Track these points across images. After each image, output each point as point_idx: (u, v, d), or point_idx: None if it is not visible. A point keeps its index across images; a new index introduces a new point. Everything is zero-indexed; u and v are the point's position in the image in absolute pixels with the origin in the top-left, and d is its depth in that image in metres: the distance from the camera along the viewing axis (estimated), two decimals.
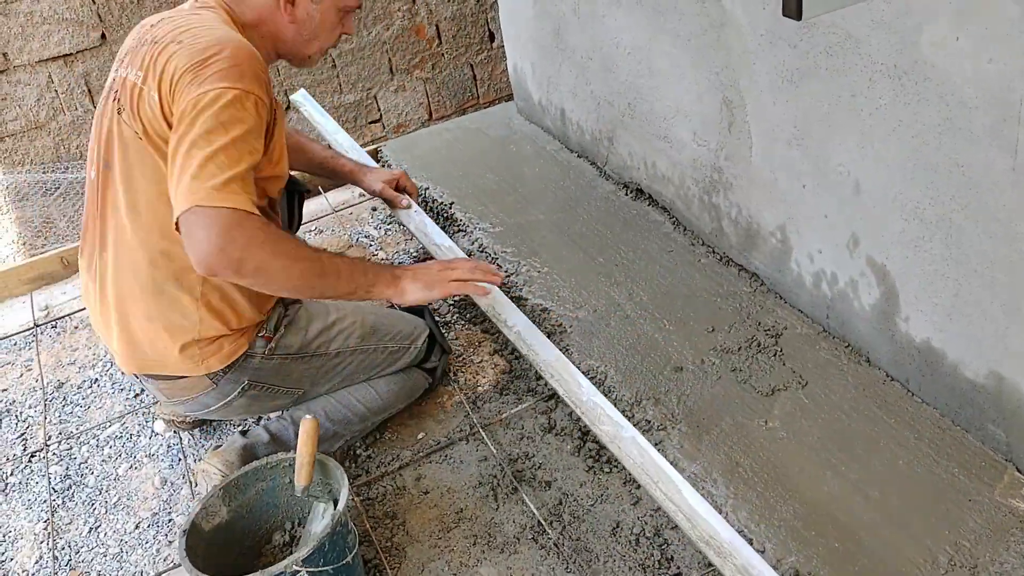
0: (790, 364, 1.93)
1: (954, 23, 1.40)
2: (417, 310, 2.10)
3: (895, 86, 1.56)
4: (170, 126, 1.54)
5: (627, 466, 1.58)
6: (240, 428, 2.14)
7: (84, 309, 2.72)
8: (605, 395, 1.94)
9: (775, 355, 1.96)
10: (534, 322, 2.20)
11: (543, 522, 1.80)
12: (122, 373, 2.44)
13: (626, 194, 2.63)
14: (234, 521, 1.72)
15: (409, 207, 2.34)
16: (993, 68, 1.36)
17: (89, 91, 3.40)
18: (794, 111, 1.83)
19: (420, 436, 2.08)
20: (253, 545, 1.77)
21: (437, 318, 2.34)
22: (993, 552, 1.48)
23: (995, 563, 1.46)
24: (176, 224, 1.47)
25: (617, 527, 1.76)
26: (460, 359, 2.27)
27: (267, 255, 1.50)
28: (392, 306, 2.07)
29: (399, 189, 2.37)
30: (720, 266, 2.27)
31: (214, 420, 2.16)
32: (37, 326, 2.69)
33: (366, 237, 2.86)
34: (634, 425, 1.86)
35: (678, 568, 1.67)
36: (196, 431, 2.19)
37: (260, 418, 2.11)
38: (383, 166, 2.89)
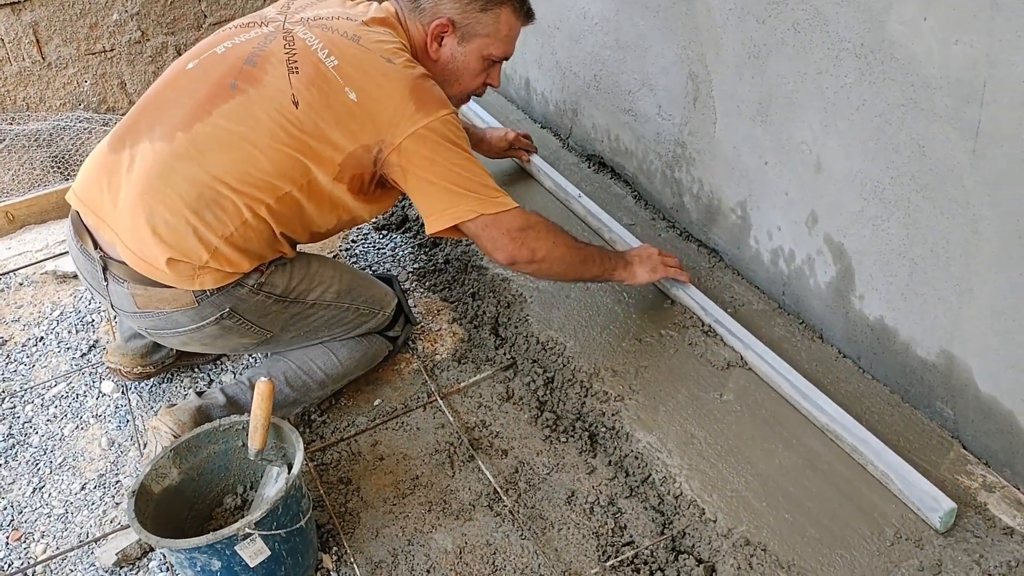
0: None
1: (923, 4, 1.41)
2: (387, 279, 2.09)
3: (861, 65, 1.57)
4: (347, 139, 1.69)
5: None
6: (195, 389, 2.11)
7: (29, 266, 2.64)
8: (564, 365, 1.95)
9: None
10: (494, 290, 2.21)
11: (499, 490, 1.80)
12: (68, 332, 2.38)
13: (589, 166, 2.62)
14: (185, 483, 1.70)
15: (529, 161, 2.60)
16: (959, 50, 1.37)
17: (37, 41, 3.27)
18: (759, 87, 1.84)
19: (376, 403, 2.06)
20: (204, 508, 1.75)
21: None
22: None
23: (939, 536, 1.50)
24: (449, 228, 1.74)
25: (572, 496, 1.77)
26: (419, 327, 2.26)
27: (552, 244, 1.79)
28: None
29: (516, 146, 2.57)
30: (680, 241, 2.28)
31: (166, 362, 2.11)
32: None
33: None
34: (592, 396, 1.88)
35: (630, 537, 1.69)
36: (145, 391, 2.14)
37: (212, 380, 2.07)
38: None
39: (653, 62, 2.17)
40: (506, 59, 1.94)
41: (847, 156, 1.68)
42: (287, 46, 1.73)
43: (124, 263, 1.70)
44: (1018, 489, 1.55)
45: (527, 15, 1.93)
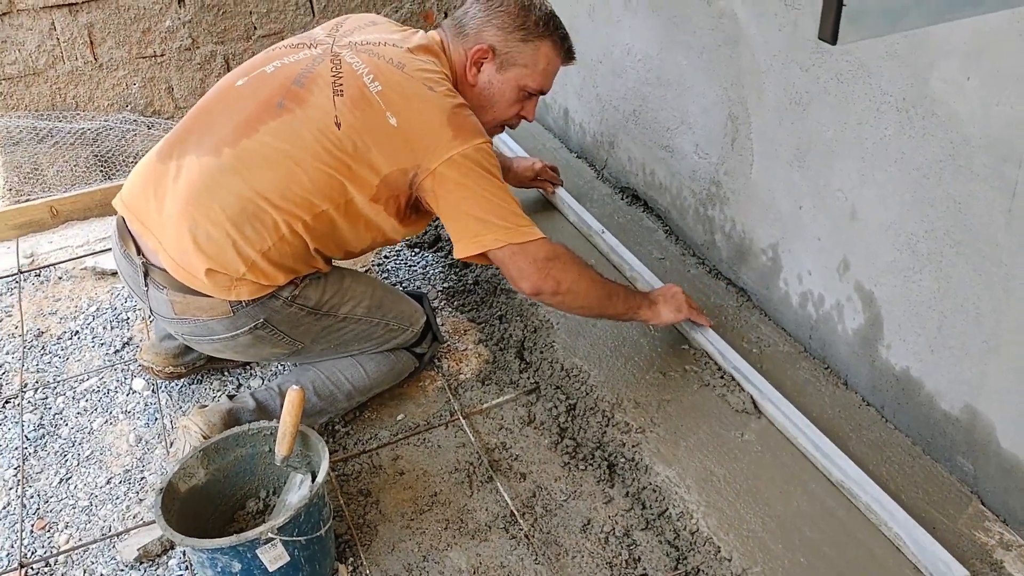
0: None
1: (966, 63, 1.43)
2: (417, 296, 2.13)
3: (901, 118, 1.59)
4: (385, 161, 1.74)
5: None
6: (225, 392, 2.15)
7: (69, 261, 2.70)
8: (587, 393, 1.97)
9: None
10: (521, 314, 2.23)
11: (516, 512, 1.82)
12: (103, 328, 2.43)
13: (622, 198, 2.65)
14: (210, 484, 1.73)
15: (554, 193, 2.64)
16: (1000, 111, 1.39)
17: (91, 42, 3.36)
18: (799, 132, 1.86)
19: (400, 417, 2.09)
20: (227, 510, 1.78)
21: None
22: None
23: None
24: (478, 255, 1.78)
25: (588, 524, 1.79)
26: (445, 346, 2.28)
27: (577, 276, 1.81)
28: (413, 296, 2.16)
29: (542, 177, 2.61)
30: (709, 278, 2.30)
31: (197, 364, 2.15)
32: (21, 272, 2.66)
33: None
34: (613, 426, 1.89)
35: (644, 569, 1.70)
36: (175, 390, 2.18)
37: (240, 383, 2.11)
38: None
39: (694, 101, 2.21)
40: (542, 93, 1.99)
41: (883, 206, 1.70)
42: (334, 69, 1.79)
43: (165, 270, 1.75)
44: None
45: (568, 54, 1.99)
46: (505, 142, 2.88)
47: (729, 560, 1.60)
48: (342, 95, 1.75)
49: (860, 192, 1.75)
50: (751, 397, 1.88)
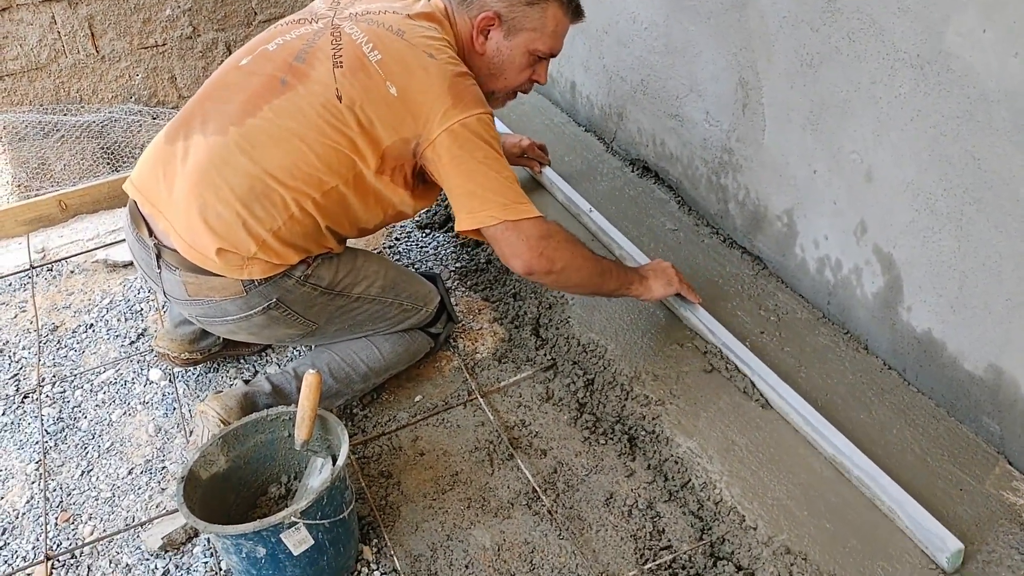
0: (788, 348, 1.94)
1: (982, 15, 1.40)
2: (431, 276, 2.12)
3: (916, 75, 1.56)
4: (385, 131, 1.72)
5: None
6: (241, 378, 2.15)
7: (81, 254, 2.70)
8: (605, 368, 1.96)
9: (774, 338, 1.97)
10: (535, 291, 2.22)
11: (537, 489, 1.81)
12: (117, 320, 2.43)
13: (633, 171, 2.63)
14: (231, 471, 1.73)
15: (541, 172, 2.60)
16: (1018, 63, 1.36)
17: (92, 35, 3.35)
18: (811, 95, 1.83)
19: (417, 399, 2.09)
20: (249, 496, 1.78)
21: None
22: (981, 542, 1.51)
23: (983, 552, 1.49)
24: (474, 231, 1.74)
25: (611, 498, 1.78)
26: (460, 326, 2.27)
27: (570, 255, 1.77)
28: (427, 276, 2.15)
29: (529, 155, 2.57)
30: (724, 247, 2.28)
31: (213, 350, 2.15)
32: (33, 267, 2.66)
33: None
34: (632, 399, 1.88)
35: (668, 541, 1.69)
36: (192, 379, 2.18)
37: (257, 370, 2.11)
38: None
39: (703, 68, 2.17)
40: (553, 55, 1.94)
41: (899, 167, 1.67)
42: (334, 41, 1.77)
43: (177, 251, 1.75)
44: None
45: (576, 12, 1.93)
46: None
47: (755, 529, 1.59)
48: (342, 67, 1.73)
49: (875, 153, 1.72)
50: (748, 378, 1.85)
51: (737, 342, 1.90)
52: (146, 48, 3.46)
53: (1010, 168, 1.43)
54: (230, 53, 3.52)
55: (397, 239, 2.64)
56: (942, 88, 1.52)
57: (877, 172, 1.73)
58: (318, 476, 1.74)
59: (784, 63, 1.88)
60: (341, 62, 1.73)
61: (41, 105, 3.37)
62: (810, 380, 1.86)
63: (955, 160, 1.54)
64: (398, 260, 2.55)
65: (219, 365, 2.22)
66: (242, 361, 2.24)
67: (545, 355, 2.13)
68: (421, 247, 2.61)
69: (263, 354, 2.26)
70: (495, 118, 2.76)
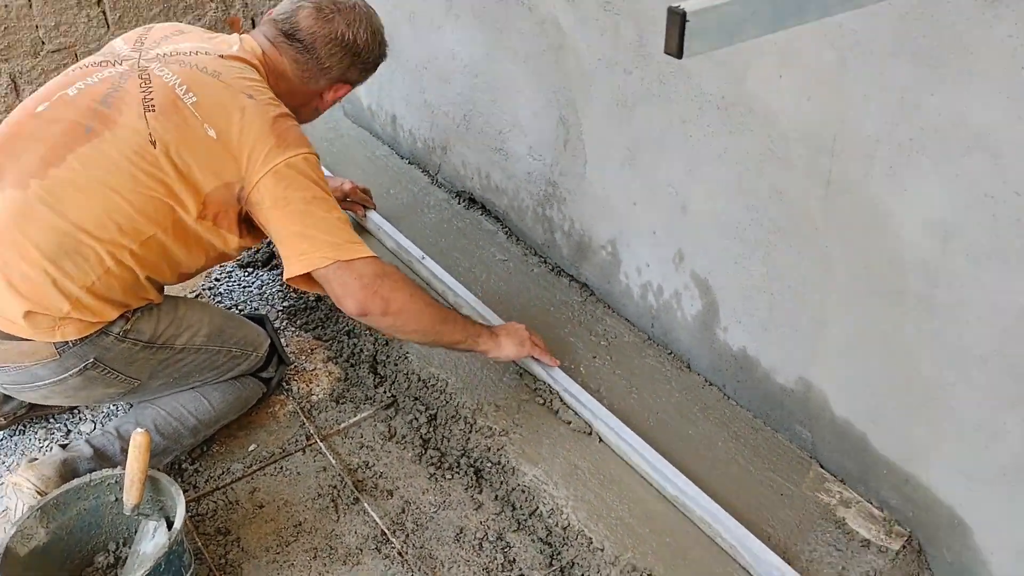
0: (619, 371, 2.04)
1: (779, 63, 1.54)
2: (258, 319, 2.05)
3: (722, 116, 1.69)
4: (206, 175, 1.66)
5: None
6: (60, 442, 1.98)
7: None
8: (447, 402, 1.98)
9: (606, 362, 2.06)
10: (370, 328, 2.20)
11: (386, 531, 1.80)
12: None
13: (459, 203, 2.66)
14: (52, 543, 1.61)
15: (366, 217, 2.56)
16: (811, 106, 1.51)
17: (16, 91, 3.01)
18: (628, 133, 1.94)
19: (252, 448, 2.01)
20: (74, 567, 1.66)
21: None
22: (804, 541, 1.65)
23: (806, 552, 1.63)
24: (300, 275, 1.68)
25: (461, 532, 1.79)
26: (293, 367, 2.22)
27: (407, 297, 1.72)
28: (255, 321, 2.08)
29: (351, 199, 2.53)
30: (552, 276, 2.36)
31: (18, 413, 1.98)
32: None
33: None
34: (476, 431, 1.91)
35: (520, 570, 1.72)
36: (2, 437, 2.00)
37: (70, 431, 1.95)
38: None
39: (524, 105, 2.25)
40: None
41: (711, 199, 1.80)
42: (143, 84, 1.68)
43: None
44: (871, 504, 1.70)
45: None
46: None
47: (602, 550, 1.66)
48: (154, 110, 1.64)
49: (689, 187, 1.84)
50: (589, 425, 1.90)
51: (595, 402, 1.89)
52: None
53: (807, 200, 1.59)
54: (16, 85, 3.27)
55: (217, 279, 2.54)
56: (746, 127, 1.66)
57: (691, 204, 1.86)
58: (151, 540, 1.64)
59: (601, 102, 1.98)
60: (153, 106, 1.64)
61: None
62: (641, 400, 1.96)
63: (760, 193, 1.68)
64: (220, 303, 2.45)
65: (25, 427, 2.04)
66: (52, 420, 2.07)
67: (385, 392, 2.12)
68: (244, 287, 2.52)
69: (75, 411, 2.10)
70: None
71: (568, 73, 2.05)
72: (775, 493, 1.74)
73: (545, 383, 1.96)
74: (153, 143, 1.62)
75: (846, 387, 1.68)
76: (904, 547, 1.61)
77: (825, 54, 1.45)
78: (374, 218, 2.54)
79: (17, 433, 2.03)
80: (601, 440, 1.86)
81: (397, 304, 1.71)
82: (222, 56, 1.77)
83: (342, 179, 2.56)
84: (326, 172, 2.66)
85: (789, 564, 1.60)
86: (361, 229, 2.58)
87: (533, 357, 1.94)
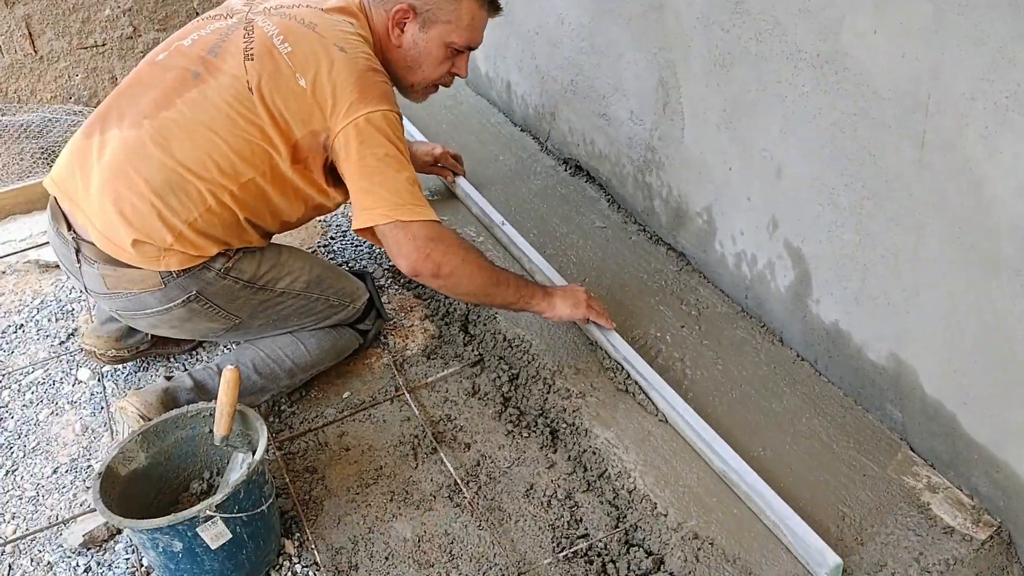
0: (707, 341, 1.99)
1: (873, 16, 1.45)
2: (361, 274, 2.13)
3: (817, 75, 1.61)
4: (295, 122, 1.73)
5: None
6: (165, 374, 2.15)
7: (13, 255, 2.68)
8: (529, 362, 1.99)
9: (694, 331, 2.02)
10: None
11: (459, 481, 1.84)
12: (48, 320, 2.42)
13: (565, 170, 2.67)
14: (152, 467, 1.73)
15: (454, 182, 2.59)
16: (906, 63, 1.42)
17: (30, 34, 3.32)
18: (724, 94, 1.88)
19: (345, 395, 2.10)
20: (170, 493, 1.78)
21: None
22: (880, 524, 1.57)
23: (881, 534, 1.55)
24: (368, 229, 1.73)
25: (531, 489, 1.81)
26: (392, 322, 2.29)
27: (459, 261, 1.74)
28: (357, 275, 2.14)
29: (442, 164, 2.57)
30: (650, 244, 2.33)
31: (141, 347, 2.15)
32: None
33: None
34: (554, 393, 1.92)
35: (585, 529, 1.73)
36: (120, 378, 2.18)
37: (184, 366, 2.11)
38: None
39: (626, 68, 2.22)
40: (471, 48, 1.95)
41: (805, 162, 1.72)
42: (246, 35, 1.79)
43: (94, 244, 1.75)
44: (960, 491, 1.59)
45: (492, 5, 1.93)
46: (407, 127, 2.84)
47: (665, 515, 1.63)
48: (252, 59, 1.75)
49: (783, 150, 1.77)
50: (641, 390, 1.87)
51: (648, 367, 1.86)
52: (85, 48, 3.44)
53: (900, 163, 1.49)
54: None
55: (332, 238, 2.66)
56: (840, 87, 1.57)
57: (785, 168, 1.78)
58: (239, 471, 1.74)
59: (699, 63, 1.93)
60: (252, 54, 1.75)
61: None
62: (726, 371, 1.91)
63: (853, 156, 1.59)
64: (333, 259, 2.57)
65: (148, 364, 2.22)
66: (171, 360, 2.24)
67: (473, 351, 2.16)
68: (356, 245, 2.62)
69: (193, 353, 2.26)
70: (408, 122, 2.77)
71: (668, 33, 2.00)
72: (857, 473, 1.66)
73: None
74: (250, 89, 1.73)
75: (938, 365, 1.57)
76: (991, 538, 1.50)
77: (922, 6, 1.36)
78: (462, 184, 2.57)
79: (140, 369, 2.22)
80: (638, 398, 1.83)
81: (448, 268, 1.74)
82: (323, 9, 1.85)
83: (433, 144, 2.60)
84: (419, 136, 2.73)
85: (861, 546, 1.52)
86: (450, 194, 2.63)
87: (591, 320, 1.94)
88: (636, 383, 1.88)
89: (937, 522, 1.55)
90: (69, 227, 1.80)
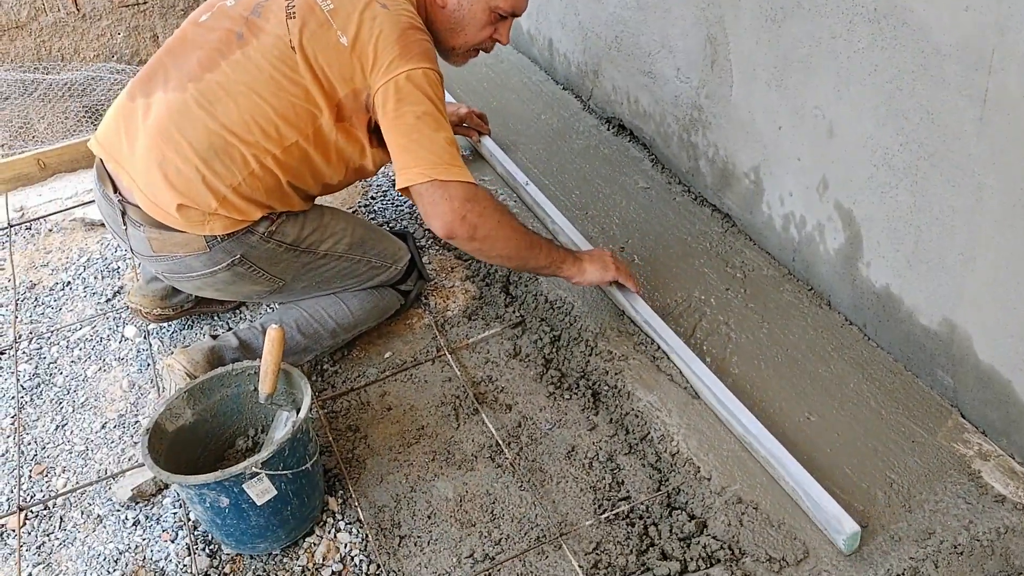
0: (753, 304, 1.96)
1: None
2: (402, 234, 2.13)
3: (874, 29, 1.56)
4: (338, 80, 1.72)
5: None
6: (211, 333, 2.17)
7: (59, 213, 2.71)
8: (571, 324, 1.98)
9: (739, 294, 1.99)
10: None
11: (501, 442, 1.84)
12: (94, 278, 2.45)
13: (608, 129, 2.62)
14: (198, 424, 1.76)
15: (480, 142, 2.57)
16: (968, 17, 1.36)
17: None
18: (775, 51, 1.83)
19: (387, 355, 2.11)
20: (216, 449, 1.81)
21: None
22: (929, 491, 1.54)
23: (930, 502, 1.52)
24: (405, 188, 1.70)
25: (572, 450, 1.81)
26: (433, 283, 2.29)
27: (495, 224, 1.72)
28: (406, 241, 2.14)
29: (467, 124, 2.55)
30: (694, 205, 2.29)
31: (185, 306, 2.17)
32: (11, 226, 2.68)
33: None
34: (596, 355, 1.90)
35: (627, 492, 1.72)
36: (166, 336, 2.21)
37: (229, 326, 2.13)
38: None
39: (673, 24, 2.16)
40: (515, 15, 1.93)
41: (858, 122, 1.67)
42: (290, 4, 1.76)
43: (140, 207, 1.76)
44: (1013, 458, 1.56)
45: None
46: None
47: (709, 479, 1.62)
48: (294, 17, 1.73)
49: (836, 108, 1.72)
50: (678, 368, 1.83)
51: (669, 331, 1.85)
52: (127, 7, 3.45)
53: (960, 123, 1.44)
54: None
55: (373, 198, 2.65)
56: (898, 42, 1.52)
57: (838, 127, 1.73)
58: (283, 429, 1.76)
59: (749, 18, 1.87)
60: (293, 13, 1.73)
61: (22, 64, 3.37)
62: (771, 334, 1.88)
63: (910, 115, 1.54)
64: (374, 219, 2.56)
65: (193, 322, 2.25)
66: (215, 318, 2.26)
67: (514, 312, 2.15)
68: (397, 206, 2.62)
69: (237, 311, 2.28)
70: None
71: None
72: (906, 440, 1.63)
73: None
74: (293, 48, 1.71)
75: (992, 330, 1.53)
76: None
77: None
78: (487, 143, 2.55)
79: (185, 327, 2.24)
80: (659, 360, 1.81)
81: (484, 231, 1.71)
82: None
83: (459, 103, 2.58)
84: (449, 97, 2.70)
85: (909, 513, 1.50)
86: (475, 154, 2.61)
87: (617, 284, 1.92)
88: (657, 346, 1.86)
89: (988, 490, 1.52)
90: (115, 189, 1.81)
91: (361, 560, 1.66)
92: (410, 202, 2.62)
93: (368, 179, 2.71)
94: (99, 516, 1.81)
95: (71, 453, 1.95)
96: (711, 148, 2.18)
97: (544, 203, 2.28)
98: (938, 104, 1.47)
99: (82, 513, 1.82)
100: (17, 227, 2.68)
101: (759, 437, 1.61)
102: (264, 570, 1.66)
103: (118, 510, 1.81)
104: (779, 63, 1.83)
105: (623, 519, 1.67)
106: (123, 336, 2.25)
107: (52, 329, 2.29)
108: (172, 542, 1.73)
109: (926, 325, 1.68)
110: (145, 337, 2.23)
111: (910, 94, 1.53)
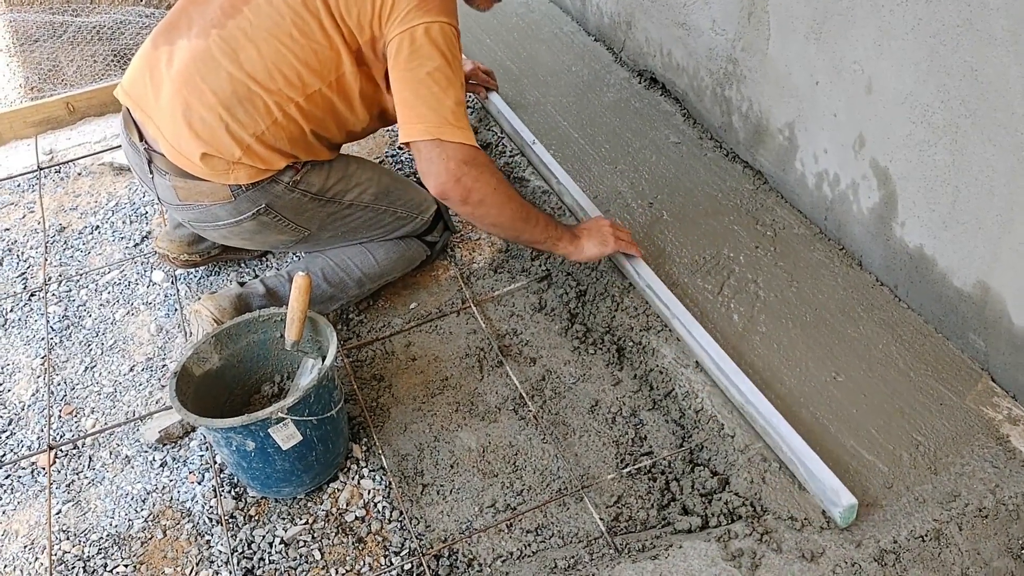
0: (782, 263, 1.94)
1: None
2: None
3: None
4: (357, 27, 1.69)
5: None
6: (238, 280, 2.18)
7: (88, 157, 2.72)
8: (597, 279, 1.97)
9: (768, 252, 1.96)
10: (535, 202, 2.21)
11: (524, 395, 1.85)
12: (122, 223, 2.46)
13: (640, 82, 2.58)
14: (225, 369, 1.77)
15: (487, 99, 2.54)
16: None
17: None
18: (815, 3, 1.78)
19: (413, 306, 2.11)
20: (242, 394, 1.82)
21: None
22: (955, 454, 1.53)
23: (956, 464, 1.51)
24: (406, 143, 1.67)
25: (596, 405, 1.81)
26: (459, 235, 2.28)
27: (490, 191, 1.69)
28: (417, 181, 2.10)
29: (474, 80, 2.52)
30: (726, 161, 2.25)
31: (212, 252, 2.18)
32: (41, 169, 2.69)
33: None
34: (622, 310, 1.89)
35: (649, 447, 1.72)
36: (193, 281, 2.22)
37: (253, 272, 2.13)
38: None
39: None
40: None
41: (899, 78, 1.63)
42: None
43: (165, 156, 1.76)
44: None
45: None
46: None
47: (732, 436, 1.62)
48: None
49: (876, 63, 1.67)
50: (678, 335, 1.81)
51: (674, 299, 1.82)
52: None
53: (1006, 80, 1.39)
54: None
55: (400, 149, 2.63)
56: None
57: (877, 83, 1.69)
58: (308, 376, 1.77)
59: None
60: None
61: (51, 6, 3.35)
62: (800, 294, 1.86)
63: (953, 71, 1.50)
64: (400, 170, 2.55)
65: (220, 268, 2.26)
66: (242, 265, 2.27)
67: (540, 266, 2.14)
68: None
69: (263, 259, 2.29)
70: None
71: None
72: (934, 402, 1.62)
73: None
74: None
75: None
76: None
77: None
78: (495, 100, 2.52)
79: (212, 273, 2.25)
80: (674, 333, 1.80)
81: (478, 195, 1.69)
82: None
83: (465, 59, 2.52)
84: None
85: (935, 475, 1.49)
86: (483, 111, 2.58)
87: (621, 252, 1.89)
88: (657, 309, 1.84)
89: (1016, 455, 1.50)
90: (141, 137, 1.81)
91: (384, 506, 1.68)
92: None
93: (394, 128, 2.69)
94: (127, 457, 1.84)
95: (100, 395, 1.98)
96: (745, 103, 2.13)
97: (550, 162, 2.25)
98: (983, 60, 1.43)
99: (110, 453, 1.85)
100: (47, 170, 2.69)
101: (757, 406, 1.59)
102: (288, 514, 1.69)
103: (145, 451, 1.84)
104: (819, 16, 1.78)
105: (645, 474, 1.67)
106: (151, 281, 2.26)
107: (81, 272, 2.31)
108: (199, 484, 1.76)
109: (959, 287, 1.65)
110: (173, 282, 2.24)
111: (954, 49, 1.48)
